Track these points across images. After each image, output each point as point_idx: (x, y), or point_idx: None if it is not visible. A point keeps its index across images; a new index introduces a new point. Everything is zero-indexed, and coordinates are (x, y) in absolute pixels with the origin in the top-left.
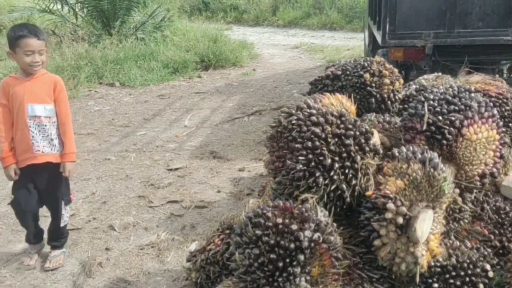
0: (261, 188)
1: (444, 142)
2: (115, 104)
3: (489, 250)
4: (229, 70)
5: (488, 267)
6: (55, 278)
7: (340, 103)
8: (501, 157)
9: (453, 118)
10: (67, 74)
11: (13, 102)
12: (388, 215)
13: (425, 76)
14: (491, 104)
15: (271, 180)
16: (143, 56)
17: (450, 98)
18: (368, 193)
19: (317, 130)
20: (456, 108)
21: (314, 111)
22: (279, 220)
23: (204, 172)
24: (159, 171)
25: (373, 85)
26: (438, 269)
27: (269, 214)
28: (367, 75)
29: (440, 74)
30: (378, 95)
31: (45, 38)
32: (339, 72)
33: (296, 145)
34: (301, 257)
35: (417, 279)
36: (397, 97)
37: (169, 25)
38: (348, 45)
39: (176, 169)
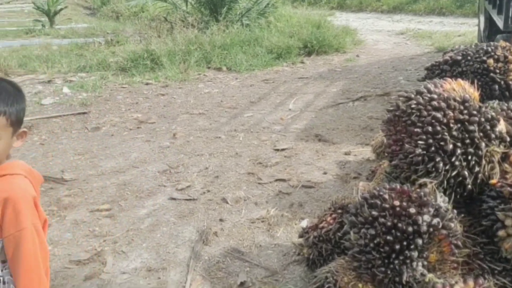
0: (370, 172)
1: None
2: (223, 87)
3: None
4: (332, 56)
5: None
6: (176, 242)
7: (463, 89)
8: None
9: None
10: (178, 58)
11: None
12: None
13: None
14: None
15: (384, 163)
16: (248, 41)
17: None
18: (493, 181)
19: (439, 115)
20: None
21: (435, 96)
22: (396, 203)
23: (310, 154)
24: (266, 150)
25: (497, 71)
26: None
27: (386, 196)
28: (490, 61)
29: None
30: (502, 82)
31: (11, 110)
32: (459, 57)
33: (416, 130)
34: (419, 241)
35: None
36: None
37: (273, 11)
38: (459, 31)
39: (283, 149)
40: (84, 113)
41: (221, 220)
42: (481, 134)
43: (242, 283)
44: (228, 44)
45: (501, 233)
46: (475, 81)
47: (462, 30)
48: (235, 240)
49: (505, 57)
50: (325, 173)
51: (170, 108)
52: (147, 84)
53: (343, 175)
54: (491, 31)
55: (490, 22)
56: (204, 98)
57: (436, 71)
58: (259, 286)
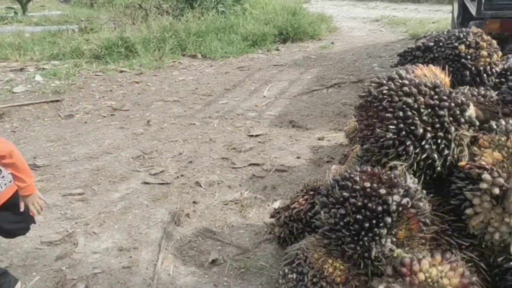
0: (343, 156)
1: None
2: (197, 74)
3: None
4: (307, 43)
5: None
6: (148, 224)
7: (434, 75)
8: None
9: None
10: (153, 45)
11: None
12: (483, 186)
13: None
14: None
15: (356, 148)
16: (223, 29)
17: None
18: (462, 163)
19: (409, 100)
20: None
21: (406, 82)
22: (367, 184)
23: (284, 139)
24: (240, 136)
25: (469, 57)
26: None
27: (357, 178)
28: (462, 47)
29: None
30: (473, 68)
31: None
32: (431, 44)
33: (387, 115)
34: (388, 219)
35: (511, 249)
36: (494, 70)
37: None
38: (434, 17)
39: (257, 135)
40: (57, 100)
41: (194, 202)
42: (451, 118)
43: (213, 261)
44: (203, 31)
45: (469, 211)
46: (447, 67)
47: (437, 17)
48: (207, 221)
49: (477, 43)
50: (298, 158)
51: (144, 95)
52: (121, 71)
53: (316, 159)
54: (464, 18)
55: (463, 8)
56: (178, 86)
57: (408, 57)
58: (231, 263)
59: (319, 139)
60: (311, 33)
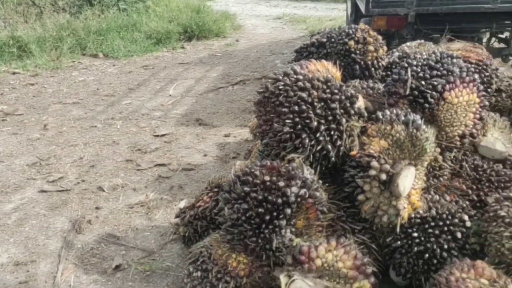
0: (247, 151)
1: (426, 105)
2: (99, 74)
3: (467, 203)
4: (212, 41)
5: (466, 217)
6: (46, 234)
7: (326, 69)
8: (481, 119)
9: (435, 83)
10: (49, 45)
11: None
12: (372, 172)
13: (408, 44)
14: (472, 69)
15: (258, 143)
16: (125, 27)
17: (432, 63)
18: (353, 152)
19: (304, 94)
20: (439, 73)
21: (300, 77)
22: (267, 178)
23: (190, 138)
24: (145, 137)
25: (358, 52)
26: (418, 220)
27: (257, 173)
28: (351, 42)
29: (422, 41)
30: (362, 62)
31: None
32: (324, 40)
33: (283, 109)
34: (288, 210)
35: (398, 229)
36: (380, 64)
37: None
38: (331, 15)
39: (163, 135)
40: None
41: (97, 208)
42: (342, 111)
43: (117, 266)
44: (104, 30)
45: (361, 197)
46: (338, 62)
47: (333, 15)
48: (110, 226)
49: (364, 38)
50: (205, 155)
51: (40, 98)
52: (14, 73)
53: (222, 156)
54: (357, 16)
55: (356, 7)
56: (78, 87)
57: (304, 53)
58: (135, 267)
59: (226, 136)
60: (216, 31)
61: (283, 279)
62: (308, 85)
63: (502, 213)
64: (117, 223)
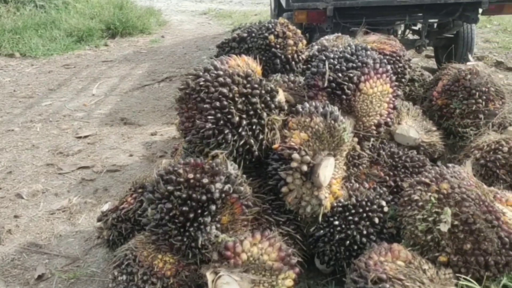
0: (174, 149)
1: (344, 97)
2: (16, 75)
3: (385, 189)
4: (137, 37)
5: (383, 203)
6: None
7: (246, 64)
8: (395, 108)
9: (351, 75)
10: None
11: None
12: (294, 164)
13: (327, 37)
14: (385, 61)
15: (183, 140)
16: (44, 24)
17: (348, 56)
18: (275, 146)
19: (225, 90)
20: (354, 65)
21: (221, 73)
22: (191, 176)
23: (115, 138)
24: (67, 139)
25: (278, 46)
26: (340, 209)
27: (180, 171)
28: (271, 37)
29: (340, 34)
30: (282, 56)
31: None
32: (245, 35)
33: (205, 106)
34: (213, 207)
35: (320, 218)
36: (300, 58)
37: None
38: (256, 10)
39: (86, 136)
40: None
41: (16, 216)
42: (263, 105)
43: (40, 276)
44: (20, 28)
45: (284, 189)
46: (259, 56)
47: (258, 10)
48: (32, 235)
49: (284, 33)
50: (131, 155)
51: None
52: None
53: (149, 155)
54: (280, 10)
55: (278, 1)
56: None
57: (226, 48)
58: (59, 276)
59: (152, 134)
60: (141, 27)
61: (209, 276)
62: (228, 80)
63: (415, 197)
64: (39, 231)
